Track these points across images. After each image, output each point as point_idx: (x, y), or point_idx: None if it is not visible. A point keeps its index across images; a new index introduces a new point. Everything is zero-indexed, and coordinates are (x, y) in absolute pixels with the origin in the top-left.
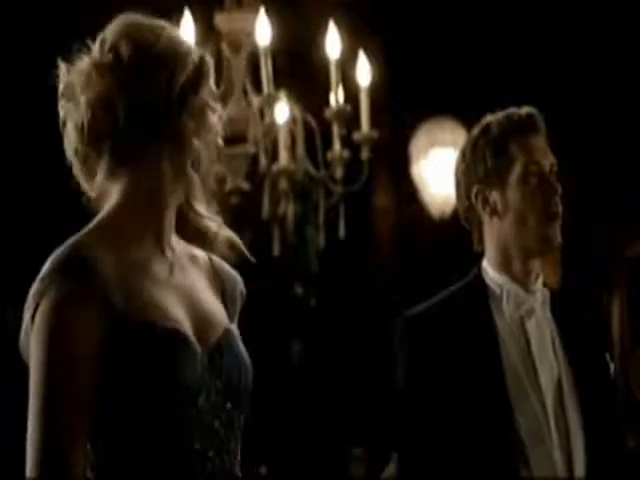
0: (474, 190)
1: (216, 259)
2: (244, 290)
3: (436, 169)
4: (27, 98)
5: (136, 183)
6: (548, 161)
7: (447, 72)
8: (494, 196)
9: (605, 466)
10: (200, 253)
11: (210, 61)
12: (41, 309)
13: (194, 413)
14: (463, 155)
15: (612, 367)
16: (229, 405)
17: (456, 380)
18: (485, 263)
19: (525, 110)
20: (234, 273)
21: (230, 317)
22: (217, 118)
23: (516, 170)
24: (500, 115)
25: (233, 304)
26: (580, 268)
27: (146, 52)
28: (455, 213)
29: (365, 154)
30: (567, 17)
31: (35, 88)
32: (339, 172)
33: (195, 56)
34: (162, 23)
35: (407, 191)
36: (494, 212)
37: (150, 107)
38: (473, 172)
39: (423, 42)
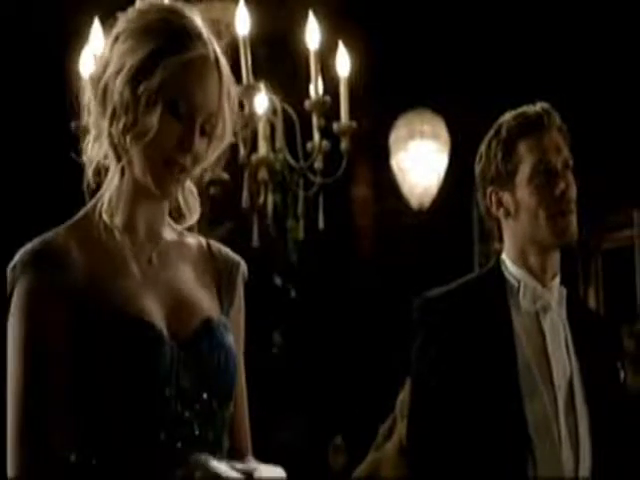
0: (488, 191)
1: (215, 245)
2: (246, 273)
3: (415, 160)
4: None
5: (112, 174)
6: (560, 157)
7: (427, 64)
8: (506, 197)
9: (611, 468)
10: (194, 241)
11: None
12: (13, 298)
13: (160, 403)
14: (480, 157)
15: (622, 375)
16: (205, 395)
17: (467, 367)
18: (504, 255)
19: (535, 107)
20: (233, 257)
21: (223, 303)
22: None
23: (524, 171)
24: (512, 114)
25: (229, 288)
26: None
27: (115, 40)
28: (433, 205)
29: (344, 145)
30: (550, 11)
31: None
32: (318, 163)
33: (152, 44)
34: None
35: (386, 182)
36: (507, 213)
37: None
38: (487, 174)
39: (403, 34)
